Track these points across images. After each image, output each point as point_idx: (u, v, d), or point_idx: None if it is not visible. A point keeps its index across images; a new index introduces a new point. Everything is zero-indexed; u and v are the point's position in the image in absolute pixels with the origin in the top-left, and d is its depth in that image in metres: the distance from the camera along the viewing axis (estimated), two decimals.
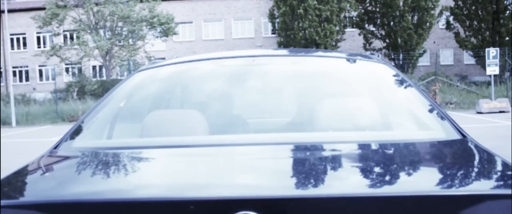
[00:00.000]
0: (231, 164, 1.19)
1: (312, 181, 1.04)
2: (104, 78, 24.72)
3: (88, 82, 22.86)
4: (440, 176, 1.07)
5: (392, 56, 23.89)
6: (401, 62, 23.81)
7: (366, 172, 1.11)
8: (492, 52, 15.01)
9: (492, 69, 14.97)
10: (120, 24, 24.12)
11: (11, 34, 32.76)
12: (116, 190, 1.06)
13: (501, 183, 1.01)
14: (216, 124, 1.55)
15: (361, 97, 1.67)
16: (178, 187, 1.04)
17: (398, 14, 22.90)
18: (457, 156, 1.26)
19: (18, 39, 32.66)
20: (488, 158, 1.17)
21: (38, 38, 32.95)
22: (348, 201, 0.91)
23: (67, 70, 29.00)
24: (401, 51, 23.42)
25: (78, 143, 1.45)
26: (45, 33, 30.47)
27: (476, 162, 1.19)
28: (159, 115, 1.61)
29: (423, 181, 1.03)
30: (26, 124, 17.72)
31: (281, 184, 1.02)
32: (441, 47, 30.52)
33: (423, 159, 1.24)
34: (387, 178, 1.08)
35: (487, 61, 15.10)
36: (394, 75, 1.72)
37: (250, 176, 1.07)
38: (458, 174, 1.08)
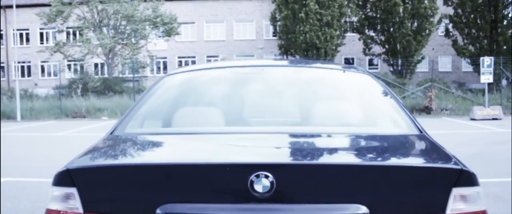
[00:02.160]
0: (248, 144, 1.64)
1: (306, 154, 1.56)
2: (106, 75, 24.99)
3: (91, 80, 23.13)
4: (398, 155, 1.59)
5: (391, 62, 24.18)
6: (399, 68, 24.08)
7: (347, 150, 1.62)
8: (486, 61, 15.34)
9: (486, 77, 15.30)
10: (123, 23, 24.40)
11: (13, 30, 33.03)
12: (174, 156, 1.55)
13: (434, 160, 1.53)
14: (231, 118, 1.98)
15: (348, 101, 2.11)
16: (217, 156, 1.51)
17: (398, 20, 23.19)
18: (412, 144, 1.72)
19: (21, 35, 32.90)
20: (431, 146, 1.65)
21: (41, 34, 33.19)
22: (333, 167, 1.39)
23: (69, 67, 29.27)
24: (400, 57, 23.71)
25: (128, 129, 1.87)
26: (48, 29, 30.73)
27: (423, 148, 1.68)
28: (187, 111, 2.07)
29: (387, 157, 1.55)
30: (30, 118, 18.00)
31: (285, 155, 1.54)
32: (440, 54, 30.85)
33: (389, 145, 1.69)
34: (360, 154, 1.59)
35: (482, 70, 15.42)
36: (375, 84, 2.17)
37: (264, 150, 1.56)
38: (409, 154, 1.61)
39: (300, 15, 22.80)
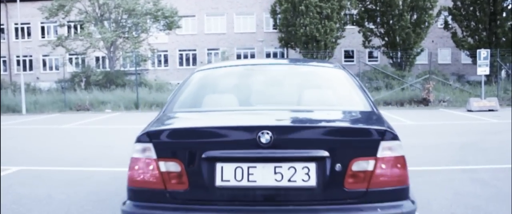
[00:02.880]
0: (254, 115, 2.50)
1: (292, 120, 2.44)
2: (108, 69, 25.20)
3: (93, 73, 23.35)
4: (350, 121, 2.48)
5: (391, 54, 24.35)
6: (399, 60, 24.26)
7: (318, 119, 2.48)
8: (483, 54, 15.55)
9: (483, 69, 15.52)
10: (124, 16, 24.55)
11: (16, 24, 33.14)
12: (210, 122, 2.40)
13: (371, 124, 2.30)
14: (243, 101, 2.81)
15: (325, 89, 2.98)
16: (238, 121, 2.33)
17: (397, 13, 23.33)
18: (363, 116, 2.53)
19: (22, 29, 33.04)
20: (375, 117, 2.46)
21: (42, 28, 33.33)
22: (308, 128, 2.23)
23: (70, 60, 29.44)
24: (399, 50, 23.88)
25: (175, 109, 2.68)
26: (49, 23, 30.86)
27: (369, 118, 2.47)
28: (214, 96, 2.90)
29: (342, 122, 2.45)
30: (34, 112, 18.28)
31: (279, 121, 2.30)
32: (439, 46, 30.99)
33: (346, 116, 2.54)
34: (325, 121, 2.42)
35: (478, 62, 15.63)
36: (347, 77, 2.98)
37: (267, 119, 2.35)
38: (358, 121, 2.46)
39: (300, 8, 22.95)
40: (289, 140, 2.10)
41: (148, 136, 2.18)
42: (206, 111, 2.66)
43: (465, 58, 28.17)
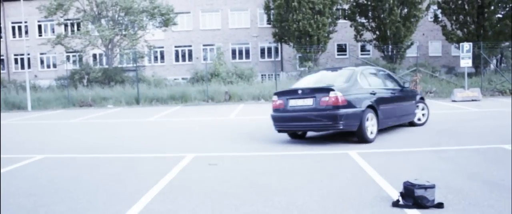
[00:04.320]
0: (300, 86, 7.64)
1: (310, 86, 7.44)
2: (106, 66, 25.75)
3: (92, 70, 23.93)
4: (327, 86, 7.23)
5: (382, 48, 25.10)
6: (390, 54, 25.03)
7: (318, 86, 7.39)
8: (466, 47, 16.34)
9: (466, 61, 16.31)
10: (122, 14, 25.10)
11: (13, 23, 33.56)
12: (287, 88, 8.01)
13: (330, 86, 7.13)
14: (307, 83, 7.83)
15: (333, 77, 7.81)
16: (294, 87, 7.71)
17: (387, 7, 24.05)
18: (335, 85, 7.23)
19: (19, 28, 33.44)
20: (340, 86, 7.25)
21: (39, 26, 33.75)
22: (314, 88, 7.26)
23: (67, 58, 29.96)
24: (390, 43, 24.65)
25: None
26: (46, 22, 31.30)
27: (337, 85, 7.25)
28: (297, 83, 8.29)
29: (324, 87, 7.21)
30: (39, 108, 18.89)
31: (307, 86, 7.51)
32: (430, 39, 31.78)
33: (328, 85, 7.30)
34: (320, 86, 7.28)
35: (461, 55, 16.43)
36: (347, 73, 7.67)
37: (303, 86, 7.53)
38: (329, 86, 7.19)
39: (293, 4, 23.61)
40: (306, 92, 7.09)
41: (276, 93, 7.56)
42: (292, 87, 7.65)
43: (455, 51, 28.94)
